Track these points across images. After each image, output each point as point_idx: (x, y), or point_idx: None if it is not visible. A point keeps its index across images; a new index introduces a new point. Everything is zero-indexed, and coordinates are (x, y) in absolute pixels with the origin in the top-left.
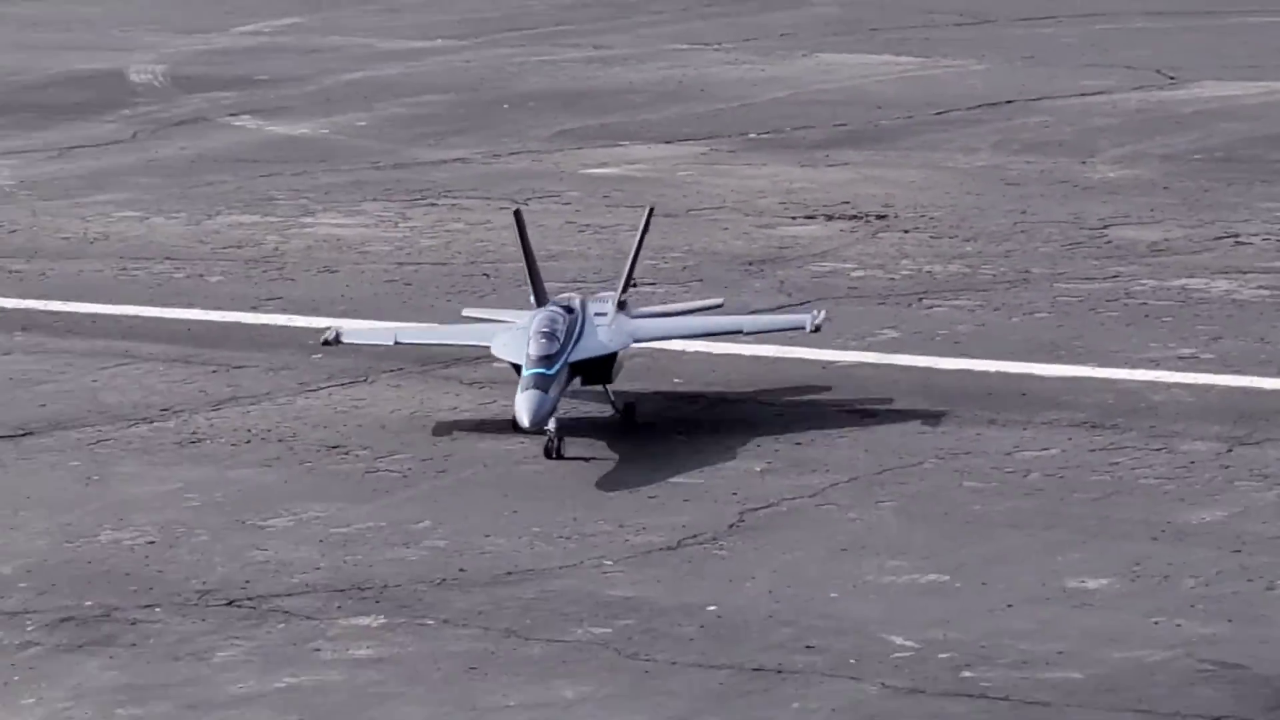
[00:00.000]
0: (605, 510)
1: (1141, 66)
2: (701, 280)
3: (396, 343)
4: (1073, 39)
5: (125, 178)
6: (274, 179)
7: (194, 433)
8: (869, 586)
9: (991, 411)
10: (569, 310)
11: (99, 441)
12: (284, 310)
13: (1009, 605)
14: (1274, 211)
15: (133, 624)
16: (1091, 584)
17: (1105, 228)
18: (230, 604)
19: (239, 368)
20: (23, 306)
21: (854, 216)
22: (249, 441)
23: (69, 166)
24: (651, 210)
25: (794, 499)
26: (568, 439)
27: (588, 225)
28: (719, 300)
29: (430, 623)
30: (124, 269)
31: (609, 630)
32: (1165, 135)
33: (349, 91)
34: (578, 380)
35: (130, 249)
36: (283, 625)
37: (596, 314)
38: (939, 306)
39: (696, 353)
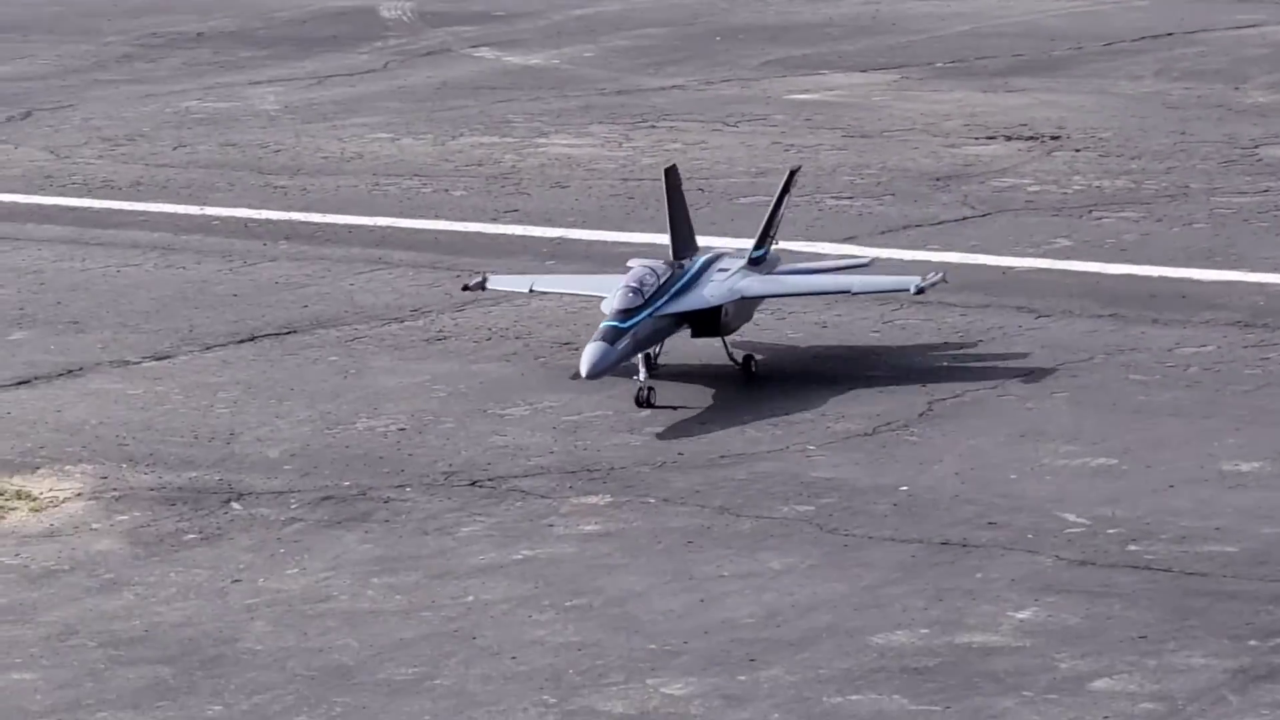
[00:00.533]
0: (808, 401)
1: None
2: (894, 195)
3: (532, 290)
4: None
5: (377, 103)
6: (511, 104)
7: (440, 331)
8: (1044, 469)
9: (1154, 311)
10: (679, 266)
11: (355, 339)
12: (520, 222)
13: (1171, 486)
14: None
15: (386, 502)
16: (1245, 467)
17: (1257, 147)
18: (473, 485)
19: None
20: (286, 218)
21: (1030, 137)
22: (489, 339)
23: (327, 93)
24: (794, 171)
25: (976, 390)
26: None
27: (792, 145)
28: (868, 259)
29: (651, 501)
30: (376, 184)
31: (811, 508)
32: None
33: (577, 25)
34: (687, 330)
35: (382, 167)
36: (520, 503)
37: (719, 269)
38: (1106, 217)
39: (888, 261)
